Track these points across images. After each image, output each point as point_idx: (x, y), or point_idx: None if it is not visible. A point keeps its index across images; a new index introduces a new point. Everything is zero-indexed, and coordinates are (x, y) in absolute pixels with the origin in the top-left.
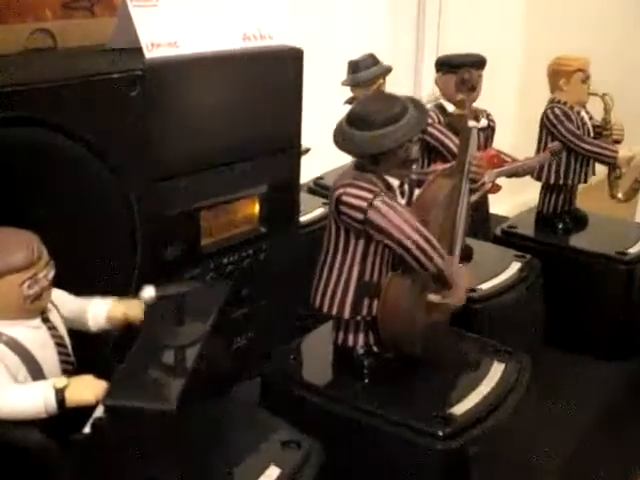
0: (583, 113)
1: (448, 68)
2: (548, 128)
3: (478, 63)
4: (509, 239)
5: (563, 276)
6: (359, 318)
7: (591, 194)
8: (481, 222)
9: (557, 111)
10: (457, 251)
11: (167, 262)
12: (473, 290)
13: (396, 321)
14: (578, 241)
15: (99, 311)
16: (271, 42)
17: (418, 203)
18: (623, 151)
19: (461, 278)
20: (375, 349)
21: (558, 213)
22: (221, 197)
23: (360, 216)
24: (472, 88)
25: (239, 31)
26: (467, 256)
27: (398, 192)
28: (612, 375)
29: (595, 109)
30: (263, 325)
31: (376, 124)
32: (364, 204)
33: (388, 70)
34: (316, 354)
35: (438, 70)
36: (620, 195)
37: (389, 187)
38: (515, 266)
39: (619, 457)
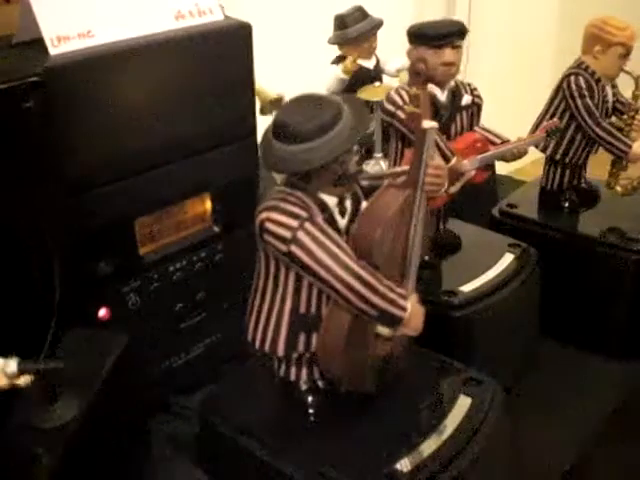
0: (608, 89)
1: (419, 41)
2: (565, 96)
3: (454, 34)
4: (508, 221)
5: (566, 265)
6: (295, 355)
7: (606, 162)
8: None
9: (581, 82)
10: (412, 277)
11: (101, 278)
12: (453, 293)
13: (339, 358)
14: (584, 224)
15: None
16: (212, 18)
17: (362, 221)
18: (637, 145)
19: (415, 306)
20: (320, 384)
21: (564, 189)
22: (159, 200)
23: (284, 248)
24: (427, 80)
25: (171, 9)
26: (455, 247)
27: (337, 211)
28: (620, 376)
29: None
30: (224, 329)
31: (303, 136)
32: (288, 234)
33: (379, 24)
34: (257, 389)
35: (410, 42)
36: (619, 188)
37: (324, 207)
38: (508, 258)
39: (621, 468)
